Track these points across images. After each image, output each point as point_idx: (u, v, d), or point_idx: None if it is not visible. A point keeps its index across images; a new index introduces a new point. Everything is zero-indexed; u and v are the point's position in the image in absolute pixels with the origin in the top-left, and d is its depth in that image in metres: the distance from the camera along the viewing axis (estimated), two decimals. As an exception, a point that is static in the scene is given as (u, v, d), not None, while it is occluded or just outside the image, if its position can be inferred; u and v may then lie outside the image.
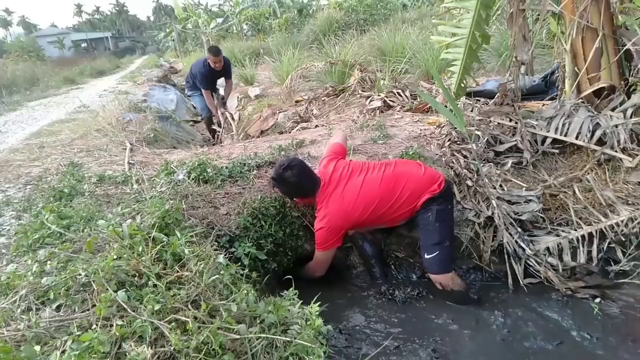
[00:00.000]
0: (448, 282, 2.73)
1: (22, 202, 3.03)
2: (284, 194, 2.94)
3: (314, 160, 3.56)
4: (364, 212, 2.65)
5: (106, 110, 6.77)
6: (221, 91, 7.12)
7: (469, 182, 3.11)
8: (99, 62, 25.31)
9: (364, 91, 5.91)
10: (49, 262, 1.90)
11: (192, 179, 3.13)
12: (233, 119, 7.06)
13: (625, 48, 3.12)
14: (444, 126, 3.82)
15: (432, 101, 3.13)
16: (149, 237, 1.98)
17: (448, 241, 2.72)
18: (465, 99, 4.34)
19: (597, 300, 2.64)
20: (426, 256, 2.73)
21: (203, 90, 6.47)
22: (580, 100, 3.33)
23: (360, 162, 2.90)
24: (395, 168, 2.78)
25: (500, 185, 3.08)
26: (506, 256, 2.90)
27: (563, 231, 2.91)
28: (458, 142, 3.49)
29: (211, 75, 6.38)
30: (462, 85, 3.75)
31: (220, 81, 6.87)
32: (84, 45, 67.49)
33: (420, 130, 4.02)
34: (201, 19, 22.40)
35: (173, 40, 31.76)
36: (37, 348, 1.39)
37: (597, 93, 3.30)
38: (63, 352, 1.38)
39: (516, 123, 3.42)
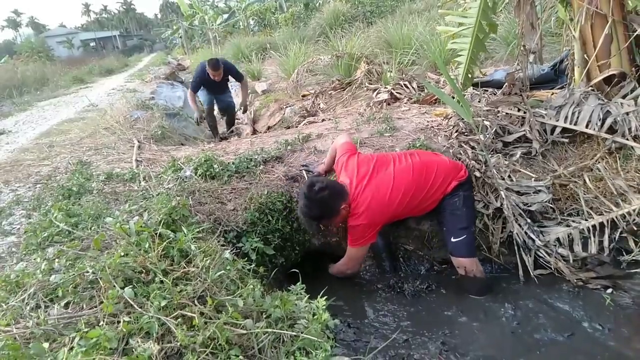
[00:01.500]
0: (473, 267, 2.72)
1: (32, 201, 3.06)
2: (318, 221, 2.69)
3: (321, 154, 3.55)
4: (400, 203, 2.62)
5: (114, 108, 6.83)
6: (242, 116, 7.10)
7: (477, 173, 3.08)
8: (108, 61, 25.44)
9: (371, 84, 5.87)
10: (57, 260, 1.92)
11: (199, 175, 3.14)
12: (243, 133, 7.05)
13: (635, 34, 3.05)
14: (451, 117, 3.78)
15: (438, 92, 3.09)
16: (156, 233, 1.98)
17: (473, 226, 2.80)
18: (473, 89, 4.29)
19: (609, 290, 2.60)
20: (453, 240, 2.72)
21: (189, 91, 6.47)
22: (590, 88, 3.27)
23: (382, 154, 2.89)
24: (421, 157, 2.80)
25: (509, 176, 3.04)
26: (516, 247, 2.86)
27: (573, 221, 2.87)
28: (466, 133, 3.45)
29: (208, 82, 6.24)
30: (469, 75, 3.71)
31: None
32: (92, 44, 67.96)
33: (428, 122, 3.99)
34: (207, 16, 22.46)
35: (180, 37, 31.89)
36: (46, 345, 1.40)
37: (608, 80, 3.23)
38: (71, 348, 1.39)
39: (525, 113, 3.37)
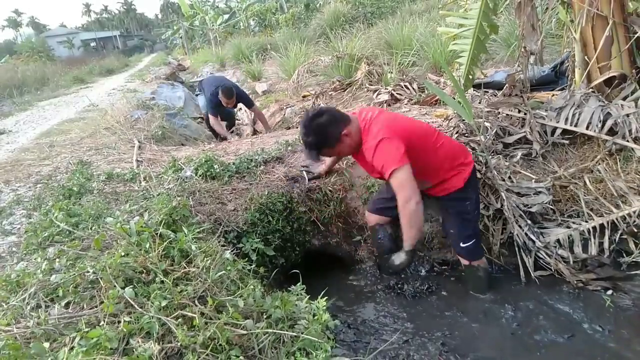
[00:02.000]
0: (480, 265, 2.74)
1: (33, 201, 3.06)
2: (317, 148, 2.43)
3: (321, 155, 3.55)
4: (415, 131, 2.44)
5: (115, 108, 6.83)
6: (243, 116, 7.03)
7: (478, 175, 3.08)
8: (108, 61, 25.43)
9: (371, 85, 5.88)
10: (57, 259, 1.92)
11: (200, 176, 3.14)
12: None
13: (636, 36, 3.05)
14: (451, 119, 3.78)
15: (440, 93, 3.10)
16: (156, 233, 1.98)
17: (478, 230, 2.77)
18: (474, 90, 4.29)
19: (609, 292, 2.60)
20: (462, 245, 2.68)
21: (211, 117, 6.06)
22: (591, 89, 3.27)
23: None
24: None
25: (510, 177, 3.04)
26: (516, 249, 2.87)
27: (574, 223, 2.87)
28: (466, 135, 3.45)
29: (220, 105, 5.97)
30: (470, 76, 3.71)
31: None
32: (93, 44, 67.97)
33: (428, 122, 3.98)
34: (208, 16, 22.50)
35: (181, 37, 31.90)
36: (46, 345, 1.40)
37: (608, 82, 3.24)
38: (71, 348, 1.39)
39: (525, 114, 3.37)
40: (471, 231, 2.68)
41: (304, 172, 3.29)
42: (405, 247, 2.41)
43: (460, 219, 2.67)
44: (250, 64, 10.81)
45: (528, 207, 2.89)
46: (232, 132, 6.85)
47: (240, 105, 6.40)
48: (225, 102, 5.73)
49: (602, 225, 2.81)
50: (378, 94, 5.28)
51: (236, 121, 7.22)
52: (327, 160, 3.21)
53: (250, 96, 7.22)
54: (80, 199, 2.90)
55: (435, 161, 2.50)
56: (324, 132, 2.35)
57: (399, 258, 2.47)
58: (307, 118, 2.37)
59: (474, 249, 2.70)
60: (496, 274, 3.00)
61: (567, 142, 3.25)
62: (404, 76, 5.67)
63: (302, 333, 1.66)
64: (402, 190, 2.25)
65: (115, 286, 1.63)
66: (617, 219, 2.80)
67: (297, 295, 1.95)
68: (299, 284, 2.01)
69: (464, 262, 2.76)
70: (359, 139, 2.42)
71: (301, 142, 2.50)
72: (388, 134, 2.28)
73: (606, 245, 2.77)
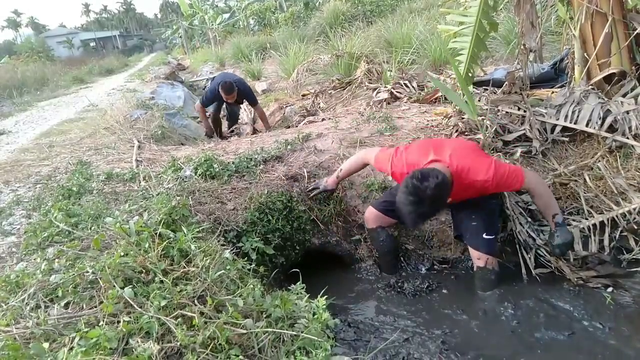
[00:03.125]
0: (493, 262, 2.72)
1: (32, 201, 3.06)
2: (424, 218, 2.42)
3: (321, 154, 3.55)
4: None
5: (114, 108, 6.82)
6: (243, 115, 7.04)
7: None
8: (108, 61, 25.43)
9: (371, 83, 5.86)
10: (57, 260, 1.92)
11: (199, 175, 3.14)
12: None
13: (635, 32, 3.06)
14: (451, 117, 3.78)
15: (444, 88, 3.09)
16: (156, 233, 1.98)
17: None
18: (473, 88, 4.28)
19: (610, 289, 2.60)
20: (485, 236, 2.63)
21: (198, 103, 6.18)
22: (590, 86, 3.27)
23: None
24: None
25: (509, 175, 3.04)
26: (517, 246, 2.87)
27: (574, 220, 2.87)
28: (466, 133, 3.45)
29: (220, 99, 6.03)
30: (470, 74, 3.70)
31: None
32: (92, 44, 67.94)
33: (428, 121, 3.98)
34: (207, 15, 22.46)
35: (180, 37, 31.86)
36: (46, 345, 1.40)
37: (608, 79, 3.24)
38: (71, 349, 1.39)
39: (525, 111, 3.37)
40: (496, 227, 2.73)
41: (316, 194, 3.17)
42: (559, 219, 2.49)
43: (488, 212, 2.69)
44: (250, 63, 10.81)
45: (528, 205, 2.89)
46: (232, 131, 6.85)
47: (244, 102, 6.43)
48: (224, 96, 5.76)
49: (602, 223, 2.81)
50: (378, 92, 5.27)
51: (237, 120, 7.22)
52: (344, 169, 3.03)
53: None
54: (79, 199, 2.90)
55: None
56: (440, 202, 2.24)
57: (564, 236, 2.51)
58: (423, 185, 2.13)
59: (494, 243, 2.71)
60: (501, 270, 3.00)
61: (566, 139, 3.25)
62: (404, 74, 5.66)
63: (302, 332, 1.66)
64: (534, 181, 2.44)
65: (114, 286, 1.63)
66: (617, 216, 2.80)
67: (297, 294, 1.95)
68: (298, 283, 2.01)
69: (479, 263, 2.72)
70: (465, 180, 2.37)
71: (404, 207, 2.23)
72: (489, 158, 2.40)
73: (606, 242, 2.77)
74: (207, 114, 6.50)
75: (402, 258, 3.18)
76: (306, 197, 3.18)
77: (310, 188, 3.20)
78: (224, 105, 6.49)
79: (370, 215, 2.99)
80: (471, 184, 2.37)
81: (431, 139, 2.68)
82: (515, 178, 2.37)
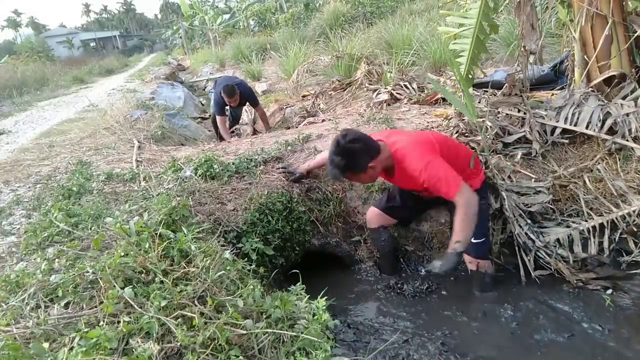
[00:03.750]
0: (485, 265, 2.74)
1: (32, 201, 3.06)
2: (343, 170, 2.44)
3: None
4: (440, 148, 2.48)
5: (114, 108, 6.83)
6: (243, 116, 7.04)
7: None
8: (108, 61, 25.43)
9: (371, 84, 5.86)
10: (57, 260, 1.92)
11: (199, 176, 3.14)
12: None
13: (635, 35, 3.06)
14: (451, 118, 3.78)
15: (443, 90, 3.09)
16: (156, 233, 1.98)
17: (488, 230, 2.83)
18: (473, 90, 4.29)
19: (609, 291, 2.60)
20: (474, 240, 2.60)
21: (218, 118, 6.03)
22: (590, 89, 3.27)
23: None
24: None
25: (509, 177, 3.04)
26: (516, 248, 2.87)
27: (573, 222, 2.87)
28: (466, 134, 3.45)
29: (224, 104, 5.97)
30: (470, 76, 3.71)
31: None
32: (92, 44, 67.93)
33: (428, 122, 3.99)
34: (208, 16, 22.48)
35: (180, 37, 31.86)
36: (46, 345, 1.40)
37: (608, 81, 3.24)
38: (71, 348, 1.39)
39: (525, 113, 3.37)
40: (484, 229, 2.71)
41: (283, 174, 3.27)
42: (458, 248, 2.38)
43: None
44: (250, 64, 10.81)
45: (528, 207, 2.89)
46: (232, 131, 6.85)
47: (247, 103, 6.42)
48: (227, 100, 5.74)
49: (601, 225, 2.81)
50: (378, 94, 5.27)
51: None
52: (314, 161, 3.21)
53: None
54: (79, 199, 2.90)
55: (458, 164, 2.53)
56: (354, 158, 2.39)
57: (447, 261, 2.41)
58: (342, 138, 2.38)
59: (483, 246, 2.71)
60: (496, 273, 2.99)
61: (566, 141, 3.25)
62: (404, 76, 5.66)
63: (301, 333, 1.66)
64: (466, 201, 2.34)
65: (114, 286, 1.63)
66: (616, 218, 2.80)
67: (297, 295, 1.95)
68: (298, 283, 2.01)
69: (471, 267, 2.75)
70: (387, 168, 2.51)
71: (328, 161, 2.47)
72: (428, 156, 2.37)
73: (606, 244, 2.77)
74: (208, 114, 6.49)
75: (401, 259, 3.19)
76: (306, 198, 3.19)
77: (281, 166, 3.33)
78: (227, 107, 6.48)
79: (373, 215, 3.02)
80: (406, 171, 2.45)
81: (401, 129, 2.73)
82: (447, 187, 2.33)
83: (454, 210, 2.43)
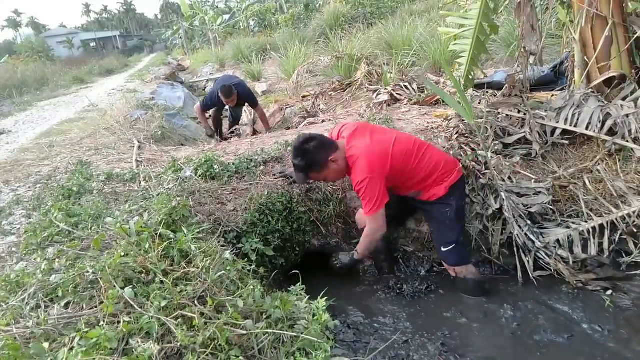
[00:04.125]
0: (462, 271, 2.75)
1: (32, 201, 3.06)
2: (304, 171, 2.59)
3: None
4: (395, 158, 2.55)
5: (114, 108, 6.83)
6: (243, 116, 7.04)
7: (478, 175, 3.08)
8: (108, 61, 25.42)
9: (371, 85, 5.87)
10: (57, 260, 1.92)
11: (199, 176, 3.14)
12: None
13: (635, 36, 3.05)
14: (451, 119, 3.78)
15: (440, 92, 3.10)
16: (156, 234, 1.98)
17: (462, 237, 2.78)
18: (473, 90, 4.29)
19: (609, 292, 2.61)
20: (443, 249, 2.74)
21: (197, 105, 6.18)
22: (590, 90, 3.27)
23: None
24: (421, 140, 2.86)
25: (509, 178, 3.04)
26: (516, 249, 2.87)
27: (573, 223, 2.87)
28: (466, 135, 3.45)
29: (220, 103, 6.02)
30: (470, 77, 3.71)
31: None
32: (92, 44, 67.92)
33: (428, 123, 3.99)
34: (208, 16, 22.48)
35: (180, 37, 31.85)
36: (46, 345, 1.40)
37: (608, 82, 3.24)
38: (71, 349, 1.39)
39: (525, 114, 3.37)
40: (452, 238, 2.72)
41: (282, 178, 3.26)
42: (355, 256, 2.82)
43: (440, 224, 2.75)
44: (250, 64, 10.81)
45: (528, 208, 2.89)
46: (232, 132, 6.86)
47: (246, 104, 6.43)
48: (225, 100, 5.74)
49: (601, 226, 2.81)
50: (378, 94, 5.28)
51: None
52: None
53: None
54: (79, 199, 2.90)
55: (418, 176, 2.66)
56: (312, 156, 2.53)
57: (345, 259, 2.89)
58: (298, 142, 2.55)
59: (454, 254, 2.73)
60: (496, 274, 3.00)
61: (566, 142, 3.25)
62: (404, 76, 5.67)
63: (301, 333, 1.66)
64: (376, 225, 2.63)
65: (114, 286, 1.63)
66: (616, 219, 2.80)
67: (297, 295, 1.95)
68: (298, 284, 2.01)
69: (451, 273, 2.80)
70: (346, 166, 2.60)
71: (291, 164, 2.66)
72: (369, 170, 2.49)
73: (606, 245, 2.77)
74: (207, 115, 6.50)
75: (401, 260, 3.19)
76: (306, 199, 3.19)
77: (278, 171, 3.34)
78: (227, 107, 6.48)
79: (360, 215, 3.06)
80: (350, 176, 2.62)
81: (377, 126, 2.81)
82: (367, 206, 2.54)
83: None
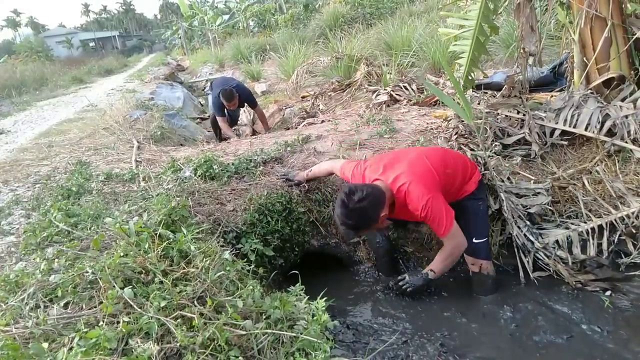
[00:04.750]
0: (488, 267, 2.74)
1: (31, 201, 3.06)
2: (356, 230, 2.45)
3: (321, 156, 3.55)
4: (441, 173, 2.51)
5: (114, 108, 6.83)
6: (242, 116, 7.02)
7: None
8: (107, 61, 25.43)
9: (370, 85, 5.87)
10: (56, 260, 1.92)
11: (199, 176, 3.14)
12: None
13: (635, 37, 3.06)
14: (451, 119, 3.79)
15: (439, 93, 3.10)
16: (156, 234, 1.98)
17: (489, 231, 2.83)
18: (473, 91, 4.29)
19: (608, 293, 2.60)
20: (475, 240, 2.66)
21: (219, 118, 6.02)
22: (590, 91, 3.27)
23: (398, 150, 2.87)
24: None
25: (509, 178, 3.04)
26: (515, 249, 2.87)
27: (572, 224, 2.88)
28: (465, 136, 3.45)
29: (223, 106, 5.95)
30: (470, 77, 3.71)
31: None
32: (91, 44, 67.94)
33: (427, 123, 3.99)
34: (207, 16, 22.49)
35: (180, 38, 31.85)
36: (45, 345, 1.39)
37: (607, 83, 3.24)
38: (70, 349, 1.39)
39: (524, 115, 3.38)
40: (485, 231, 2.74)
41: (284, 181, 3.25)
42: (430, 276, 2.59)
43: (474, 216, 2.72)
44: (250, 65, 10.81)
45: (527, 208, 2.89)
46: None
47: (245, 105, 6.42)
48: (226, 104, 5.73)
49: (600, 226, 2.82)
50: (377, 95, 5.28)
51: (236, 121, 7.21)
52: (314, 170, 3.17)
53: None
54: (79, 199, 2.90)
55: (457, 183, 2.65)
56: (368, 216, 2.35)
57: (417, 280, 2.63)
58: (350, 200, 2.31)
59: (484, 248, 2.72)
60: (496, 275, 3.00)
61: (565, 143, 3.26)
62: (403, 77, 5.67)
63: (301, 333, 1.66)
64: (455, 242, 2.51)
65: (114, 286, 1.63)
66: (615, 220, 2.80)
67: (296, 295, 1.95)
68: (298, 284, 2.00)
69: (474, 269, 2.75)
70: (392, 204, 2.50)
71: (337, 221, 2.44)
72: (429, 193, 2.39)
73: (605, 246, 2.77)
74: (207, 114, 6.49)
75: (401, 260, 3.19)
76: (306, 199, 3.19)
77: (281, 174, 3.31)
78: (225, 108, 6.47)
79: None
80: (407, 208, 2.48)
81: (395, 151, 2.71)
82: (439, 227, 2.44)
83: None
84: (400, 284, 2.67)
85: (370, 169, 2.62)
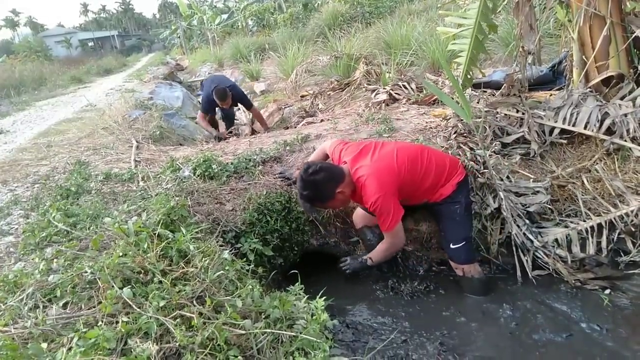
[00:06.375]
0: (470, 270, 2.75)
1: (30, 201, 3.06)
2: (311, 202, 2.61)
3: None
4: (406, 172, 2.58)
5: (112, 108, 6.82)
6: (241, 116, 6.99)
7: (476, 174, 3.08)
8: (106, 61, 25.41)
9: (370, 84, 5.87)
10: (55, 260, 1.92)
11: (198, 176, 3.14)
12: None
13: (634, 35, 3.06)
14: (450, 118, 3.78)
15: (439, 92, 3.10)
16: (155, 233, 1.98)
17: (471, 233, 2.80)
18: (472, 90, 4.29)
19: (607, 291, 2.61)
20: (452, 246, 2.74)
21: (199, 113, 6.15)
22: (589, 89, 3.27)
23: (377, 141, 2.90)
24: (420, 144, 2.91)
25: (508, 177, 3.04)
26: (514, 248, 2.87)
27: (572, 222, 2.88)
28: (464, 134, 3.45)
29: (215, 105, 5.99)
30: (469, 76, 3.71)
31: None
32: (90, 44, 67.86)
33: (426, 122, 3.99)
34: (206, 16, 22.47)
35: (179, 37, 31.79)
36: (44, 345, 1.40)
37: (606, 82, 3.24)
38: (69, 349, 1.39)
39: (523, 114, 3.37)
40: (462, 234, 2.73)
41: (281, 179, 3.27)
42: (368, 262, 2.80)
43: (450, 221, 2.75)
44: (249, 64, 10.79)
45: (526, 207, 2.89)
46: (230, 132, 6.84)
47: (239, 105, 6.41)
48: (219, 103, 5.73)
49: (600, 225, 2.82)
50: (376, 94, 5.27)
51: (235, 121, 7.20)
52: (310, 159, 3.17)
53: (249, 96, 7.17)
54: (78, 199, 2.90)
55: (427, 183, 2.68)
56: (319, 189, 2.52)
57: (356, 264, 2.85)
58: (305, 173, 2.50)
59: (463, 252, 2.74)
60: (494, 273, 3.00)
61: (565, 141, 3.25)
62: (402, 76, 5.66)
63: (300, 333, 1.66)
64: (395, 239, 2.71)
65: (113, 286, 1.63)
66: (615, 219, 2.80)
67: (296, 295, 1.95)
68: (297, 283, 2.00)
69: (458, 272, 2.79)
70: (352, 192, 2.63)
71: (298, 194, 2.65)
72: (380, 189, 2.50)
73: (604, 244, 2.77)
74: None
75: (399, 259, 3.19)
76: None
77: (278, 172, 3.34)
78: (217, 108, 6.47)
79: (357, 215, 3.09)
80: (362, 198, 2.60)
81: (376, 142, 2.76)
82: (383, 223, 2.58)
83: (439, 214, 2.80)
84: (341, 264, 2.89)
85: (346, 151, 2.74)
